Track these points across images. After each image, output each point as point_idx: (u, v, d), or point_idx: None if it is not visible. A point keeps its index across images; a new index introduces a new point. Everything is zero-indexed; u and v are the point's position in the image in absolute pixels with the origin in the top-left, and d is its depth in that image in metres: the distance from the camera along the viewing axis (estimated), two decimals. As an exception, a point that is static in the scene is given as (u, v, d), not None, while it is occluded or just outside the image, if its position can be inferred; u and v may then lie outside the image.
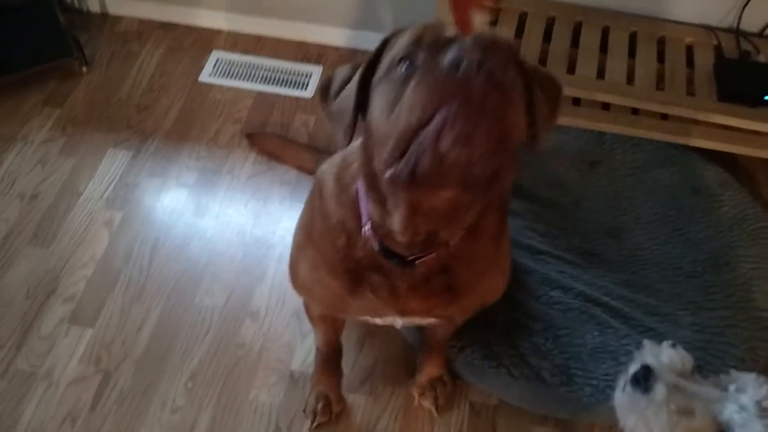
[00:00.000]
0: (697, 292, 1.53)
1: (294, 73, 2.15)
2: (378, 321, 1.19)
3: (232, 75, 2.14)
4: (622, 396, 0.98)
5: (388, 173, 0.77)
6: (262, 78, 2.14)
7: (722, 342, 1.44)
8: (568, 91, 1.76)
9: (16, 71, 2.02)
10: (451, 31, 0.80)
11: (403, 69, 0.77)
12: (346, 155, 1.04)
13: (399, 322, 1.12)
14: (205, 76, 2.13)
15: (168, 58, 2.18)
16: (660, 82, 1.78)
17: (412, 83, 0.74)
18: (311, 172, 1.80)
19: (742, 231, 1.62)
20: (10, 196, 1.80)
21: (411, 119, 0.73)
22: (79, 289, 1.63)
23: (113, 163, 1.89)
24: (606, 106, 1.77)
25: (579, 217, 1.78)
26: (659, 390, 0.92)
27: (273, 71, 2.15)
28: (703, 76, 1.77)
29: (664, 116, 1.75)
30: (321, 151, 1.85)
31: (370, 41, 2.16)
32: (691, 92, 1.75)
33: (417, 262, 0.96)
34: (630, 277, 1.61)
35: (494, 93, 0.71)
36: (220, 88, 2.10)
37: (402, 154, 0.74)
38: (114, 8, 2.29)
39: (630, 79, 1.77)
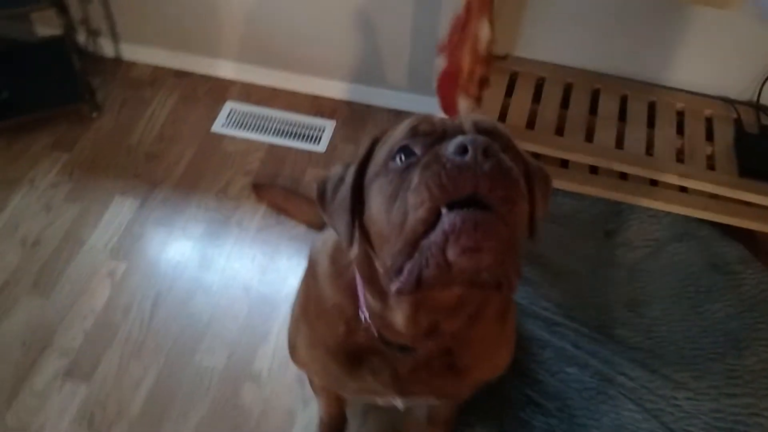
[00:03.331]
0: (718, 376, 1.47)
1: (307, 127, 2.13)
2: (379, 401, 1.13)
3: (245, 126, 2.12)
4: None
5: (393, 286, 0.73)
6: (275, 130, 2.12)
7: (744, 431, 1.37)
8: (586, 159, 1.75)
9: (26, 113, 2.01)
10: (447, 120, 0.78)
11: (401, 160, 0.74)
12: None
13: (400, 402, 1.07)
14: (218, 127, 2.11)
15: (181, 106, 2.17)
16: (679, 155, 1.75)
17: (415, 175, 0.70)
18: (318, 227, 1.77)
19: (764, 311, 1.57)
20: (13, 241, 1.76)
21: (416, 219, 0.69)
22: (76, 342, 1.57)
23: (119, 211, 1.85)
24: (624, 176, 1.75)
25: (595, 287, 1.73)
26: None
27: (286, 124, 2.14)
28: (723, 149, 1.75)
29: (683, 189, 1.73)
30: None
31: (383, 98, 2.17)
32: (710, 166, 1.73)
33: (418, 348, 0.93)
34: (647, 355, 1.55)
35: (503, 181, 0.68)
36: (233, 139, 2.08)
37: (408, 259, 0.70)
38: (128, 54, 2.29)
39: (649, 150, 1.75)
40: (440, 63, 0.69)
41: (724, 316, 1.60)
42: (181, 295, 1.67)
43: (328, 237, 1.03)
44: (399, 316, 0.84)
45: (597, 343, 1.57)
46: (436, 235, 0.67)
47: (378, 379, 1.00)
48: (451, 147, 0.68)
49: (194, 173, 1.97)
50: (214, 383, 1.52)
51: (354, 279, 0.93)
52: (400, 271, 0.71)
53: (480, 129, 0.75)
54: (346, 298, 0.95)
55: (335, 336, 0.98)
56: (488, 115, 1.77)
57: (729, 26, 1.75)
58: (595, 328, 1.63)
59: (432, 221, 0.68)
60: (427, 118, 0.77)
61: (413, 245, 0.69)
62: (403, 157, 0.74)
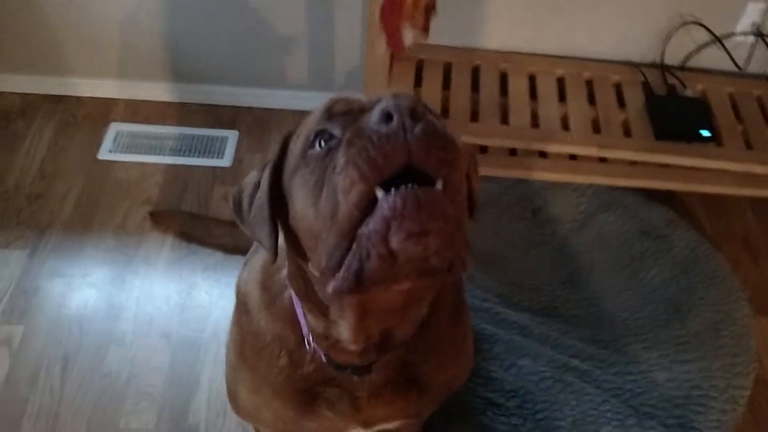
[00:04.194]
0: (667, 344, 1.47)
1: (207, 141, 1.97)
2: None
3: (136, 149, 1.93)
4: None
5: (330, 286, 0.63)
6: (170, 149, 1.94)
7: (702, 395, 1.38)
8: (503, 143, 1.69)
9: None
10: (363, 97, 0.70)
11: (320, 146, 0.66)
12: (267, 259, 0.89)
13: (365, 436, 0.98)
14: (105, 153, 1.91)
15: (60, 135, 1.94)
16: (594, 125, 1.73)
17: (340, 156, 0.61)
18: (237, 251, 1.63)
19: (698, 273, 1.59)
20: None
21: (349, 205, 0.60)
22: (-25, 428, 1.37)
23: (6, 267, 1.63)
24: (543, 154, 1.71)
25: (530, 269, 1.70)
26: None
27: (182, 140, 1.96)
28: (636, 114, 1.75)
29: (602, 159, 1.71)
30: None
31: (285, 100, 2.03)
32: (626, 133, 1.72)
33: (374, 366, 0.84)
34: (595, 331, 1.53)
35: (438, 141, 0.60)
36: (123, 164, 1.88)
37: (345, 253, 0.61)
38: (-9, 84, 2.03)
39: (565, 125, 1.72)
40: None
41: (660, 281, 1.61)
42: (93, 353, 1.49)
43: (255, 262, 0.93)
44: (344, 329, 0.76)
45: (544, 326, 1.54)
46: (375, 222, 0.59)
47: (337, 411, 0.90)
48: (374, 116, 0.61)
49: (86, 210, 1.77)
50: (146, 447, 1.37)
51: (291, 303, 0.84)
52: (337, 268, 0.62)
53: (402, 97, 0.66)
54: (286, 327, 0.86)
55: (280, 373, 0.88)
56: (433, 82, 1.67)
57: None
58: (538, 311, 1.59)
59: (367, 205, 0.59)
60: (342, 99, 0.69)
61: (349, 236, 0.61)
62: (322, 143, 0.66)
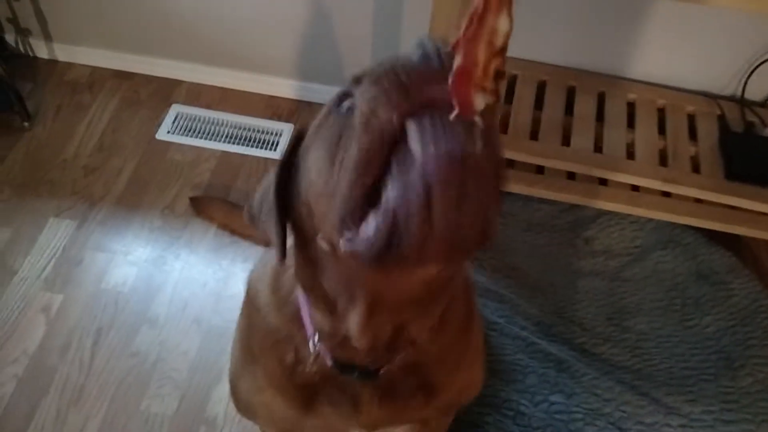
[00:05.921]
0: (713, 399, 1.37)
1: (262, 132, 1.97)
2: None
3: (194, 132, 1.95)
4: None
5: (347, 242, 0.52)
6: (226, 136, 1.94)
7: (743, 461, 1.28)
8: (562, 165, 1.62)
9: (-53, 126, 1.81)
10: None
11: (345, 107, 0.55)
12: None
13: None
14: (163, 133, 1.93)
15: (122, 111, 1.98)
16: (662, 155, 1.64)
17: (363, 83, 0.52)
18: (266, 244, 1.62)
19: (756, 326, 1.48)
20: (-69, 274, 1.57)
21: (374, 132, 0.49)
22: (6, 391, 1.40)
23: (54, 235, 1.67)
24: (604, 181, 1.63)
25: (575, 300, 1.62)
26: None
27: (239, 129, 1.96)
28: (707, 149, 1.64)
29: (666, 193, 1.61)
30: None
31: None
32: (695, 167, 1.62)
33: (381, 371, 0.80)
34: (636, 375, 1.45)
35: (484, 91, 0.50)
36: (180, 147, 1.90)
37: (362, 213, 0.51)
38: (64, 55, 2.08)
39: (630, 153, 1.63)
40: (455, 61, 0.60)
41: (714, 330, 1.50)
42: (125, 331, 1.51)
43: (267, 261, 0.89)
44: (353, 322, 0.67)
45: (581, 363, 1.46)
46: (411, 177, 0.47)
47: (338, 410, 0.87)
48: (408, 57, 0.52)
49: (137, 187, 1.79)
50: None
51: (299, 304, 0.81)
52: (353, 220, 0.52)
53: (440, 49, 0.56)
54: (294, 325, 0.83)
55: (285, 371, 0.86)
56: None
57: (710, 18, 1.63)
58: (577, 346, 1.52)
59: (390, 141, 0.49)
60: (372, 69, 0.56)
61: (370, 176, 0.50)
62: (346, 105, 0.55)
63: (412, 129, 0.48)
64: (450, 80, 0.51)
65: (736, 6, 1.19)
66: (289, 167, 0.67)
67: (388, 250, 0.50)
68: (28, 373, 1.43)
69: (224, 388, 1.43)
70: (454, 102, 0.51)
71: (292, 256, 0.78)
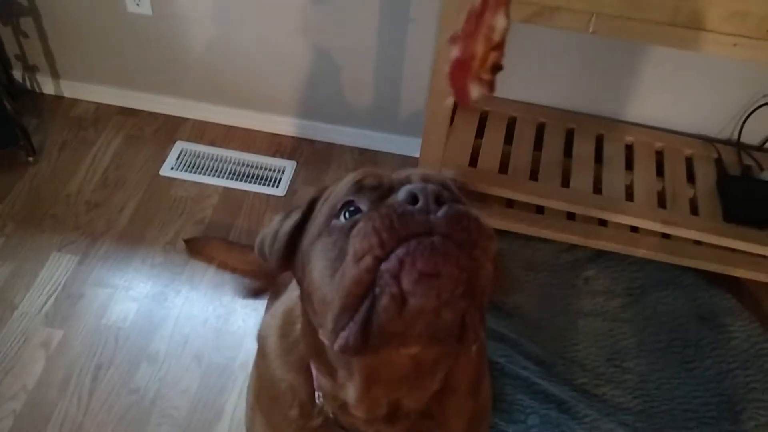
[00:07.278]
0: (714, 444, 1.37)
1: (265, 168, 1.99)
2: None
3: (197, 168, 1.97)
4: None
5: (337, 344, 0.62)
6: (230, 173, 1.96)
7: (747, 507, 1.27)
8: (562, 205, 1.64)
9: (-48, 160, 1.82)
10: (394, 174, 0.70)
11: (345, 217, 0.65)
12: (290, 306, 0.89)
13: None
14: (167, 169, 1.95)
15: (127, 148, 2.00)
16: (660, 197, 1.66)
17: (360, 225, 0.61)
18: (268, 282, 1.61)
19: (758, 370, 1.48)
20: (-68, 308, 1.57)
21: (362, 268, 0.59)
22: (4, 426, 1.39)
23: (56, 269, 1.67)
24: (603, 222, 1.65)
25: (576, 340, 1.62)
26: None
27: (242, 165, 1.99)
28: (705, 192, 1.66)
29: (666, 235, 1.63)
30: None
31: (347, 137, 2.04)
32: (693, 210, 1.64)
33: None
34: (637, 417, 1.44)
35: (463, 223, 0.60)
36: (183, 183, 1.92)
37: (351, 316, 0.60)
38: (70, 91, 2.12)
39: (629, 194, 1.65)
40: (452, 53, 0.65)
41: (715, 373, 1.50)
42: (124, 368, 1.50)
43: (277, 309, 0.92)
44: (351, 393, 0.73)
45: (582, 404, 1.46)
46: (385, 271, 0.58)
47: None
48: (400, 195, 0.62)
49: (140, 223, 1.80)
50: (162, 470, 1.36)
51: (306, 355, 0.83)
52: (344, 327, 0.61)
53: (431, 178, 0.68)
54: (299, 377, 0.85)
55: (291, 423, 0.87)
56: (458, 158, 1.67)
57: (706, 63, 1.67)
58: (578, 387, 1.52)
59: (377, 269, 0.59)
60: (372, 172, 0.69)
61: (357, 301, 0.60)
62: (347, 214, 0.65)
63: (392, 258, 0.58)
64: (446, 70, 0.58)
65: (727, 55, 1.22)
66: (302, 226, 0.73)
67: (370, 337, 0.60)
68: (26, 408, 1.42)
69: (224, 427, 1.42)
70: (452, 91, 0.59)
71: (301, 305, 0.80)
